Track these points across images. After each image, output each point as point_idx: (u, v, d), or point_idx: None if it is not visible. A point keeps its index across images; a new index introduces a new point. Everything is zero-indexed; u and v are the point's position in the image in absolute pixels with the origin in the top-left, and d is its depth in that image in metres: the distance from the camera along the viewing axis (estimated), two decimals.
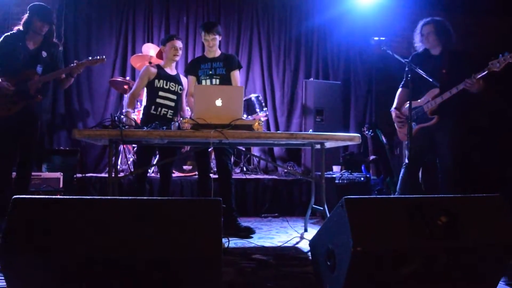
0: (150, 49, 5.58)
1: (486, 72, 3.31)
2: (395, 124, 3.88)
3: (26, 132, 3.71)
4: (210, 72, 3.87)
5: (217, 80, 3.87)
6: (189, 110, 4.02)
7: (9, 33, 3.74)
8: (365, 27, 6.62)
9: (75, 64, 3.73)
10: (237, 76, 3.99)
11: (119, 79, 5.66)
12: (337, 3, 6.72)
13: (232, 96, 3.13)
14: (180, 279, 1.83)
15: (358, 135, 3.34)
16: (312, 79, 6.38)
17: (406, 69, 3.52)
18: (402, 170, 3.80)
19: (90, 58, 3.76)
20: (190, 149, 4.51)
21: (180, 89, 4.04)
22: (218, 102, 3.06)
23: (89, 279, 1.83)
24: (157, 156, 4.58)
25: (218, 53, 3.96)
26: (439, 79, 3.44)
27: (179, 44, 4.03)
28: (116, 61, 6.41)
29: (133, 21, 6.55)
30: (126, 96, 5.57)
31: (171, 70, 4.05)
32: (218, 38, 3.92)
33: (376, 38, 3.53)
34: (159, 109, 3.93)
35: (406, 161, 3.74)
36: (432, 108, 3.56)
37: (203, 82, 3.88)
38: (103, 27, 6.47)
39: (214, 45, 3.91)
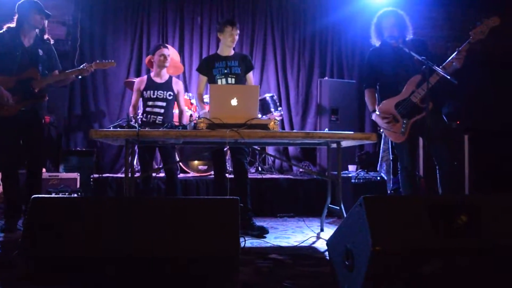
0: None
1: (469, 43, 3.11)
2: (383, 127, 3.47)
3: (32, 133, 3.73)
4: (226, 71, 3.86)
5: (233, 80, 3.86)
6: (197, 109, 4.07)
7: (1, 31, 3.69)
8: None
9: (85, 66, 3.77)
10: (252, 77, 4.04)
11: (134, 80, 5.68)
12: (350, 1, 6.67)
13: (248, 96, 3.12)
14: (198, 278, 1.82)
15: (375, 133, 3.30)
16: (326, 78, 6.34)
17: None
18: (403, 176, 3.52)
19: (99, 61, 3.83)
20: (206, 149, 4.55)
21: (170, 95, 4.32)
22: (234, 102, 3.05)
23: (107, 278, 1.84)
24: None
25: (232, 51, 3.95)
26: (415, 67, 3.30)
27: (166, 51, 4.33)
28: (131, 62, 6.46)
29: (147, 22, 6.58)
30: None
31: (160, 78, 4.35)
32: None
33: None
34: (149, 116, 4.26)
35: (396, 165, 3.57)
36: (422, 96, 3.25)
37: (219, 81, 3.87)
38: (118, 29, 6.51)
39: (236, 40, 3.93)
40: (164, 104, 4.28)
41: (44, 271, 1.84)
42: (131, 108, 4.37)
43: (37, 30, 3.76)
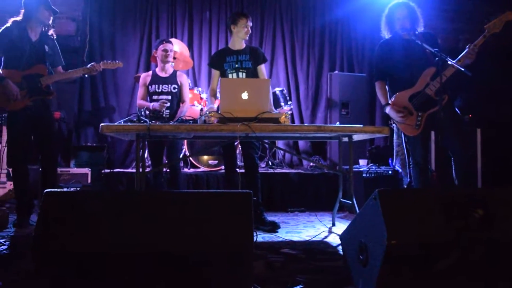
0: (174, 44, 5.57)
1: (484, 36, 3.10)
2: (397, 121, 3.43)
3: (43, 129, 3.74)
4: (236, 66, 3.83)
5: (244, 74, 3.82)
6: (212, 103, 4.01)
7: (8, 25, 3.68)
8: None
9: (92, 65, 3.78)
10: (263, 70, 3.96)
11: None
12: None
13: (258, 89, 3.10)
14: (211, 273, 1.81)
15: (387, 127, 3.27)
16: (337, 71, 6.29)
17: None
18: (415, 171, 3.46)
19: (107, 61, 3.84)
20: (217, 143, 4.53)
21: (174, 88, 4.34)
22: (244, 95, 3.03)
23: (119, 273, 1.83)
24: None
25: (244, 45, 3.92)
26: (428, 59, 3.28)
27: (169, 46, 4.37)
28: (141, 57, 6.47)
29: (156, 17, 6.59)
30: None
31: (164, 73, 4.40)
32: None
33: None
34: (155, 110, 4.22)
35: (411, 160, 3.52)
36: (437, 88, 3.21)
37: (230, 75, 3.83)
38: (127, 24, 6.52)
39: (249, 32, 3.91)
40: (169, 97, 4.31)
41: (56, 265, 1.84)
42: (139, 102, 4.39)
43: (42, 26, 3.75)
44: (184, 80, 4.46)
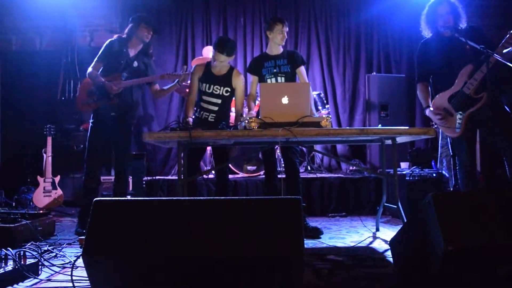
0: (210, 52, 5.56)
1: None
2: (438, 124, 3.35)
3: (119, 140, 3.84)
4: (275, 70, 3.80)
5: (283, 78, 3.79)
6: (251, 108, 3.90)
7: (113, 39, 3.85)
8: None
9: (159, 75, 3.84)
10: (303, 72, 3.89)
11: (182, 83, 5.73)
12: None
13: (299, 93, 3.06)
14: (261, 279, 1.78)
15: (433, 128, 3.17)
16: (374, 73, 6.18)
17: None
18: (462, 173, 3.36)
19: (180, 72, 3.80)
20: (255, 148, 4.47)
21: (227, 91, 3.77)
22: (284, 100, 3.01)
23: (168, 279, 1.83)
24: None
25: (281, 49, 3.89)
26: (469, 57, 3.15)
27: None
28: (177, 65, 6.53)
29: (192, 25, 6.64)
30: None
31: (218, 70, 3.79)
32: None
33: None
34: (202, 112, 3.78)
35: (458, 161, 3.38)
36: (474, 86, 3.11)
37: (268, 81, 3.81)
38: (163, 33, 6.59)
39: (285, 38, 3.84)
40: (219, 101, 3.76)
41: (103, 269, 1.85)
42: (186, 105, 3.88)
43: (146, 41, 3.85)
44: (239, 83, 3.81)
